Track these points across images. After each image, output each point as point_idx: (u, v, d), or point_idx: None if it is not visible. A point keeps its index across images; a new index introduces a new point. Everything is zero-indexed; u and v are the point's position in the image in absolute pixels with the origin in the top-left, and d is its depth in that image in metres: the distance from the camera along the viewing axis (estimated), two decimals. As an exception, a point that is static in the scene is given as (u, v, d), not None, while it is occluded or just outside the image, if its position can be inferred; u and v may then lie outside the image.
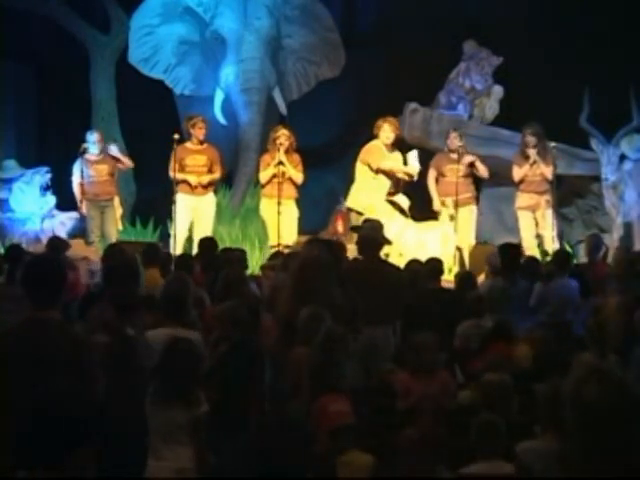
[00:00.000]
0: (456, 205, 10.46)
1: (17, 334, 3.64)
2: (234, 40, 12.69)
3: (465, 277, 7.79)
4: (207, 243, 8.48)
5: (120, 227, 11.23)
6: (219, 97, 12.74)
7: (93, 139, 10.94)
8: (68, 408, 2.82)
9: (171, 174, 10.42)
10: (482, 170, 10.83)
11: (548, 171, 10.60)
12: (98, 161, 10.92)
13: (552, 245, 10.47)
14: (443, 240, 10.23)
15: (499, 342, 6.15)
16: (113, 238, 10.58)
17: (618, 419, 2.43)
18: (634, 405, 2.45)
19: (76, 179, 10.87)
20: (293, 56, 13.26)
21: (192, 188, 10.55)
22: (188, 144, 10.66)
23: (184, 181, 10.51)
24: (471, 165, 10.76)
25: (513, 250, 7.96)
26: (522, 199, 10.73)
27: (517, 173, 10.70)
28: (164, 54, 13.01)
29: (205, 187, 10.65)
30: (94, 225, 10.80)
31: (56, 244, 8.54)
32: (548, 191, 10.67)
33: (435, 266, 7.58)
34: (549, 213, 10.71)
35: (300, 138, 10.79)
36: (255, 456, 2.81)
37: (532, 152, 10.58)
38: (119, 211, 11.09)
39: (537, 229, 10.73)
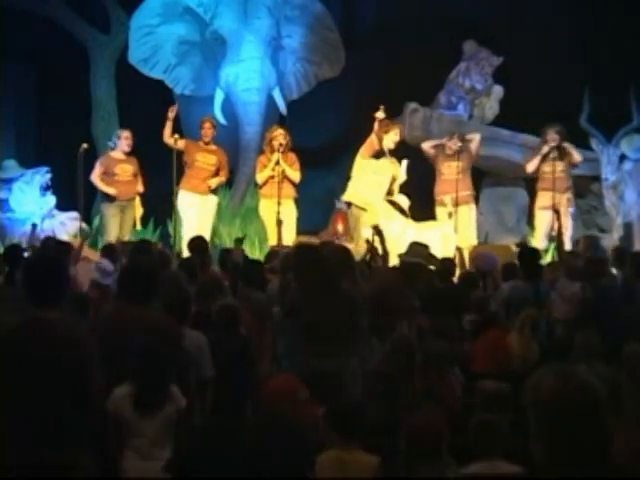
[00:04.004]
0: (456, 203, 10.44)
1: (18, 334, 3.64)
2: (234, 40, 12.70)
3: (469, 277, 7.80)
4: (198, 242, 8.09)
5: (139, 227, 11.04)
6: (219, 97, 12.75)
7: (123, 135, 10.65)
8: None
9: (167, 140, 10.33)
10: (474, 144, 10.77)
11: (577, 156, 10.46)
12: (125, 160, 10.67)
13: (568, 246, 10.23)
14: (443, 240, 10.20)
15: (491, 331, 6.20)
16: (126, 239, 10.27)
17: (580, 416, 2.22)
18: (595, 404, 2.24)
19: (96, 172, 10.59)
20: (293, 56, 13.27)
21: (195, 186, 10.52)
22: (199, 143, 10.66)
23: (187, 177, 10.47)
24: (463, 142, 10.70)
25: (532, 251, 7.94)
26: (543, 198, 10.52)
27: (529, 165, 10.57)
28: (164, 54, 13.01)
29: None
30: (113, 224, 10.50)
31: (34, 245, 8.42)
32: (570, 189, 10.51)
33: (447, 266, 7.60)
34: (570, 212, 10.53)
35: (300, 138, 10.78)
36: (253, 455, 2.81)
37: (546, 148, 10.43)
38: (139, 211, 10.80)
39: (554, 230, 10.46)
